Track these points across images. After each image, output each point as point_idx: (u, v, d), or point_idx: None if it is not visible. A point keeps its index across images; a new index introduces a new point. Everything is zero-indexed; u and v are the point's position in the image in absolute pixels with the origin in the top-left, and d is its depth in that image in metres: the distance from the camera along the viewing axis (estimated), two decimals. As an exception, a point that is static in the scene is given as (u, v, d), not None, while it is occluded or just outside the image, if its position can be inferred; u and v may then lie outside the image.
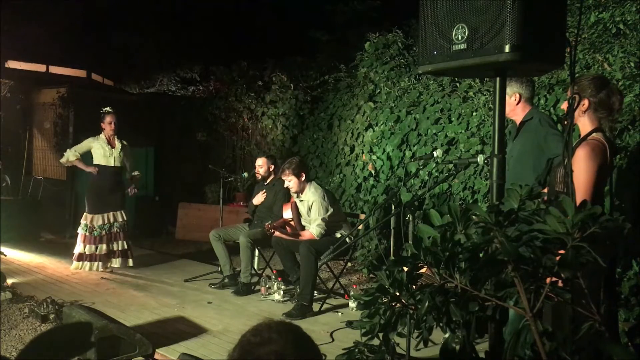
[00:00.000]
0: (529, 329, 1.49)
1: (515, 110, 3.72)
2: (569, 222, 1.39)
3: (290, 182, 5.42)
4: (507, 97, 3.66)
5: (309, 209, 5.42)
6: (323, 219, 5.32)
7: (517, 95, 3.71)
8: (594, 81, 2.84)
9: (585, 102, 2.79)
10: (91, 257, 6.39)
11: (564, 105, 3.06)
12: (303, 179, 5.42)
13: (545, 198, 2.80)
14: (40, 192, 9.39)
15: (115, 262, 6.49)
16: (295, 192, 5.51)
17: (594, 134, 2.78)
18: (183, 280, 6.27)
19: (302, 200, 5.49)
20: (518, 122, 3.75)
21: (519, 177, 3.44)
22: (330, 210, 5.38)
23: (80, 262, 6.41)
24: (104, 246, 6.41)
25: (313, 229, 5.33)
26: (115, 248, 6.48)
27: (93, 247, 6.38)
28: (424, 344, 1.67)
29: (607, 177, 2.85)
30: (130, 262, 6.59)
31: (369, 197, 6.85)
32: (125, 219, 6.54)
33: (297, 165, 5.41)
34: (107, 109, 6.53)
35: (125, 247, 6.54)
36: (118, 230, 6.47)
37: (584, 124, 2.83)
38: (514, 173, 3.61)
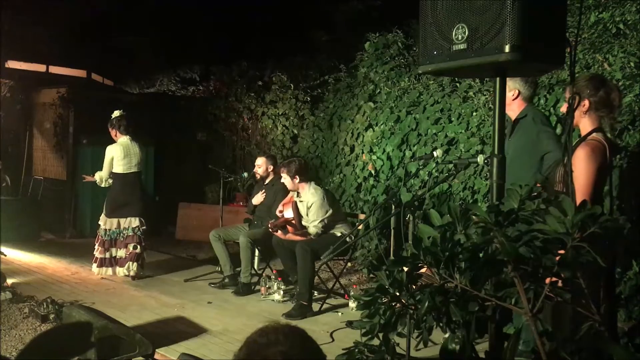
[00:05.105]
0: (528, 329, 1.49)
1: (511, 105, 3.71)
2: (569, 222, 1.39)
3: (285, 180, 5.53)
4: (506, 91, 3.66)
5: (308, 209, 5.44)
6: (321, 221, 5.36)
7: (516, 91, 3.70)
8: (592, 81, 2.84)
9: (586, 102, 2.79)
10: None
11: (564, 108, 3.06)
12: (297, 181, 5.47)
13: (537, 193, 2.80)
14: (40, 192, 9.38)
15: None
16: (292, 190, 5.56)
17: (593, 134, 2.78)
18: (183, 280, 6.27)
19: (301, 201, 5.51)
20: (513, 118, 3.76)
21: (515, 176, 3.43)
22: (329, 212, 5.41)
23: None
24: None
25: (311, 229, 5.38)
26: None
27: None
28: (424, 344, 1.67)
29: (607, 177, 2.84)
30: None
31: (369, 197, 6.85)
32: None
33: (294, 167, 5.46)
34: (120, 112, 6.32)
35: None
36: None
37: (585, 124, 2.83)
38: (510, 171, 3.60)
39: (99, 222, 6.32)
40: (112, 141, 6.35)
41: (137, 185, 6.38)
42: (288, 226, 5.53)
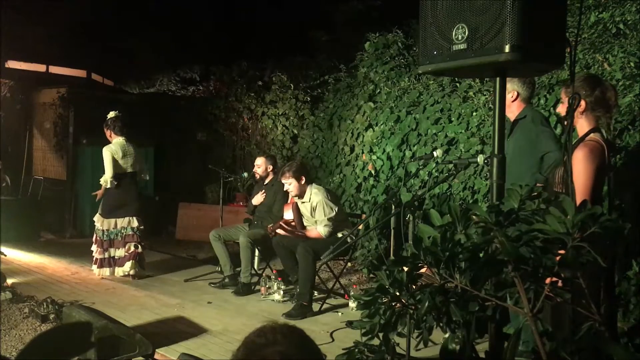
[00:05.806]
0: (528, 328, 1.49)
1: (510, 107, 3.74)
2: (569, 222, 1.39)
3: (290, 185, 5.38)
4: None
5: (313, 209, 5.39)
6: (330, 219, 5.30)
7: (515, 93, 3.74)
8: (587, 81, 2.84)
9: (582, 103, 2.79)
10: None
11: (560, 109, 3.07)
12: (303, 182, 5.39)
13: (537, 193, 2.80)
14: (40, 192, 9.39)
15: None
16: (295, 196, 5.49)
17: (591, 135, 2.78)
18: (183, 280, 6.27)
19: (304, 202, 5.47)
20: (512, 119, 3.78)
21: (514, 176, 3.45)
22: (336, 209, 5.36)
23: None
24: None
25: (320, 228, 5.31)
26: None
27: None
28: (424, 344, 1.67)
29: (606, 178, 2.85)
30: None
31: (369, 197, 6.85)
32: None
33: (297, 168, 5.39)
34: (115, 113, 6.33)
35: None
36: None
37: (582, 124, 2.83)
38: (509, 171, 3.62)
39: (95, 223, 6.31)
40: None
41: (133, 185, 6.39)
42: (286, 226, 5.51)
